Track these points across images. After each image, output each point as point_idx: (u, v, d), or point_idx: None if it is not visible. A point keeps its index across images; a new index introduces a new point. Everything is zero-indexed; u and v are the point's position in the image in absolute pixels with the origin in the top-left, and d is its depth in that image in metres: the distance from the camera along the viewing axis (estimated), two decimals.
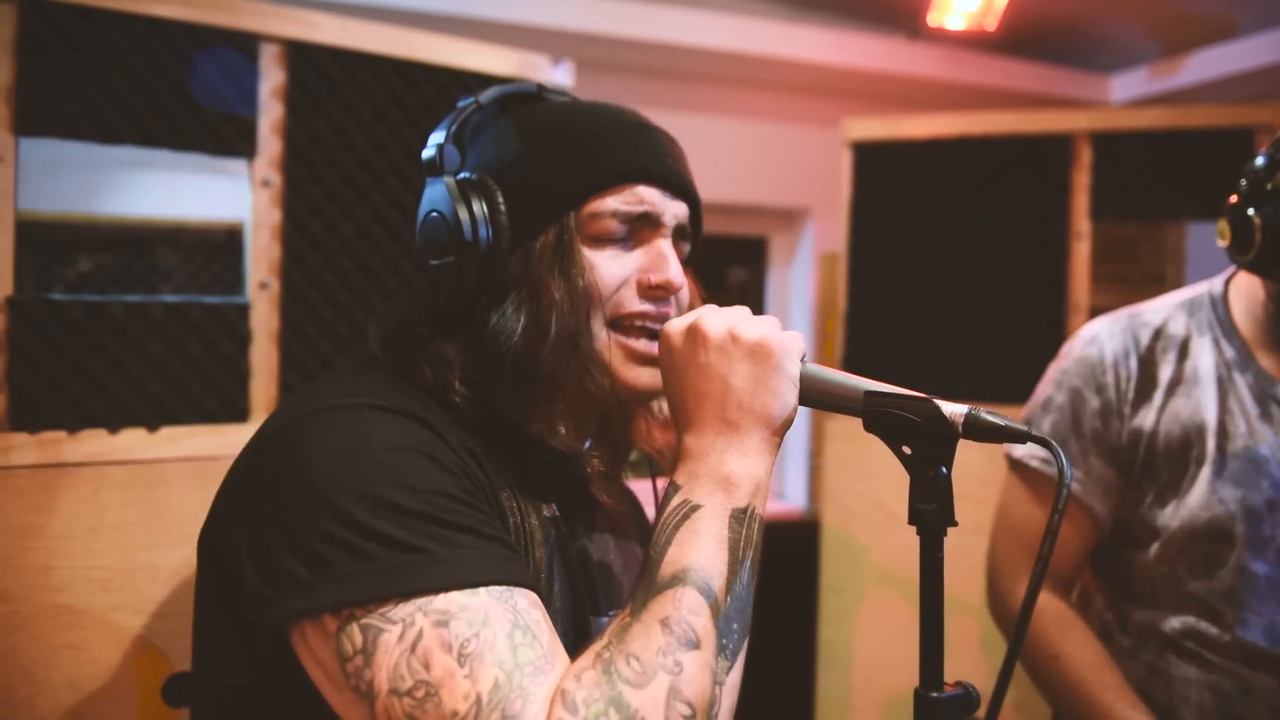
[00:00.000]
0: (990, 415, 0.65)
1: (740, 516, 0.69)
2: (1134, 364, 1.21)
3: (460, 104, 0.85)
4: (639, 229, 0.81)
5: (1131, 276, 2.92)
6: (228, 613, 0.72)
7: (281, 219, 1.34)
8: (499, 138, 0.83)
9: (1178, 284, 3.11)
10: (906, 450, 0.66)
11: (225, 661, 0.74)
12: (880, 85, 2.95)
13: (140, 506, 1.22)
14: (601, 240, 0.80)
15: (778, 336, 0.72)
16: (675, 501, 0.70)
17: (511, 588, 0.64)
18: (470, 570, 0.63)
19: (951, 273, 2.05)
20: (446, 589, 0.61)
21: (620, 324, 0.81)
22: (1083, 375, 1.22)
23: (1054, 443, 0.62)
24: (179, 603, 1.25)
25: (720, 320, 0.73)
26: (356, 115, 1.39)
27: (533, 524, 0.76)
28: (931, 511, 0.63)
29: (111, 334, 1.21)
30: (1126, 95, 3.17)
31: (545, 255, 0.78)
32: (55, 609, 1.17)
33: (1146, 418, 1.19)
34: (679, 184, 0.83)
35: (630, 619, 0.65)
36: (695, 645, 0.63)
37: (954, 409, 0.65)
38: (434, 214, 0.81)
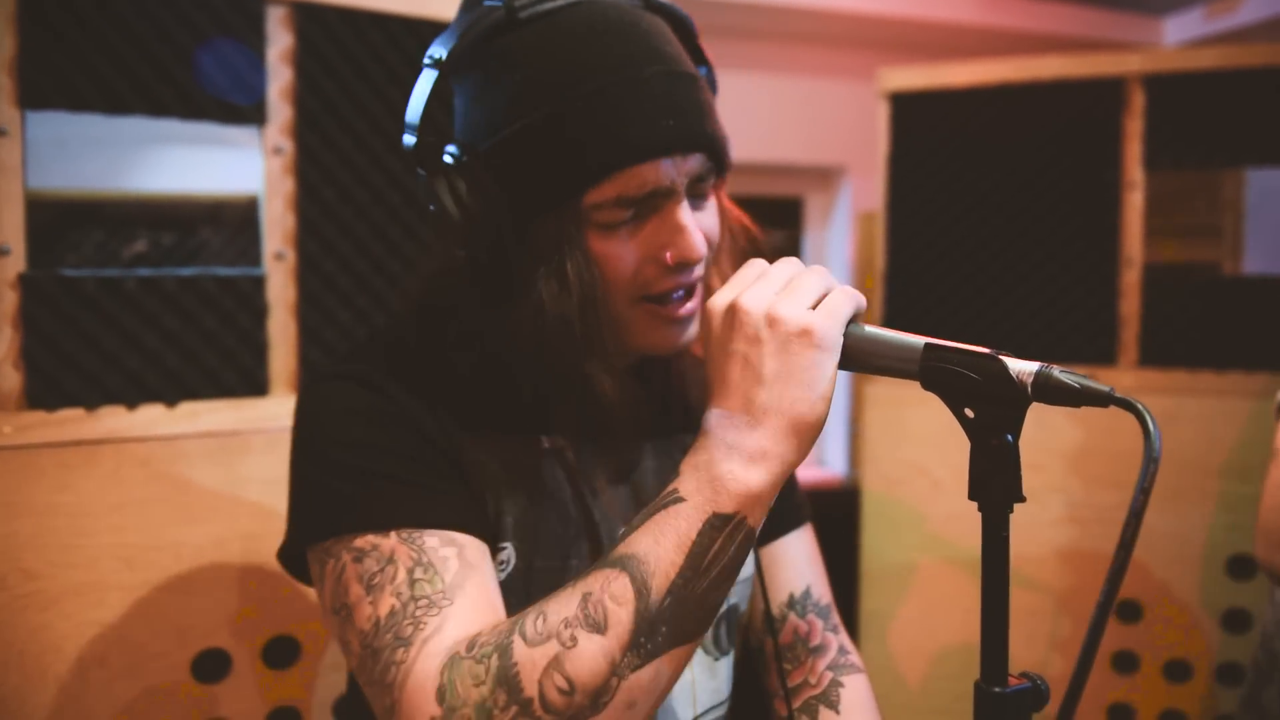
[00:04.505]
0: (1065, 374, 0.56)
1: (719, 523, 0.63)
2: None
3: (426, 60, 0.75)
4: (649, 203, 0.73)
5: (1186, 229, 2.79)
6: None
7: (295, 187, 1.30)
8: (479, 100, 0.75)
9: (1236, 237, 2.96)
10: (969, 413, 0.58)
11: None
12: (917, 34, 2.83)
13: (162, 483, 1.21)
14: (609, 227, 0.73)
15: (823, 324, 0.64)
16: (670, 485, 0.66)
17: (420, 529, 0.70)
18: (381, 514, 0.71)
19: (996, 228, 1.95)
20: (363, 530, 0.71)
21: (655, 299, 0.76)
22: None
23: (1141, 404, 0.53)
24: (204, 579, 1.24)
25: (760, 298, 0.66)
26: (368, 77, 1.34)
27: (520, 462, 0.78)
28: (996, 485, 0.56)
29: (126, 309, 1.19)
30: (1180, 38, 3.01)
31: (548, 253, 0.72)
32: (82, 586, 1.16)
33: None
34: (688, 142, 0.73)
35: (573, 580, 0.65)
36: (600, 630, 0.61)
37: (1022, 367, 0.57)
38: (433, 208, 0.76)
